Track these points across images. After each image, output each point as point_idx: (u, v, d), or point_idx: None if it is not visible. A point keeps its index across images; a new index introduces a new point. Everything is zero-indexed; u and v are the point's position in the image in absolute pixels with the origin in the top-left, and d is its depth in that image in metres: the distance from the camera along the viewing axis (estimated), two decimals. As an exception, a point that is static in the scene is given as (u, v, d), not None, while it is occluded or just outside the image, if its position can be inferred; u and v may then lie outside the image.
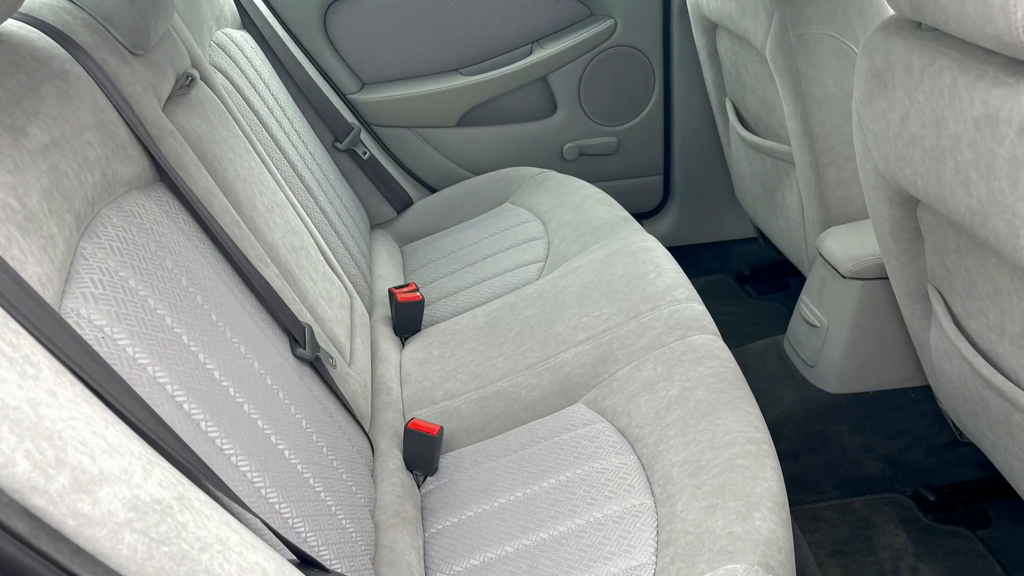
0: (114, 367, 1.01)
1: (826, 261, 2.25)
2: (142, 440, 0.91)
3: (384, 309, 2.36)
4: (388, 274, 2.58)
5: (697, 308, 1.86)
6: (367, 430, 1.83)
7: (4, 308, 0.85)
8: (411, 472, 1.78)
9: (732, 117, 2.82)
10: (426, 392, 1.98)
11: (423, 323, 2.29)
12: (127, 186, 1.34)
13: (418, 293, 2.26)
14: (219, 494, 1.02)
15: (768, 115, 2.55)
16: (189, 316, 1.27)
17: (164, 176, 1.48)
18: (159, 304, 1.20)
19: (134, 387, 1.02)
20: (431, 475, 1.79)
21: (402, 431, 1.83)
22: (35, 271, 0.98)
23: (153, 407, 1.02)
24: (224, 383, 1.26)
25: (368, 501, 1.60)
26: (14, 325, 0.84)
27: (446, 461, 1.82)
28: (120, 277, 1.16)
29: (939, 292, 1.65)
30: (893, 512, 2.21)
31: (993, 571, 2.00)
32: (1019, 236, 1.18)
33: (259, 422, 1.30)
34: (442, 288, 2.43)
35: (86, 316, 1.06)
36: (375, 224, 3.03)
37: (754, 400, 1.58)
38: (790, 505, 1.41)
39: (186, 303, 1.28)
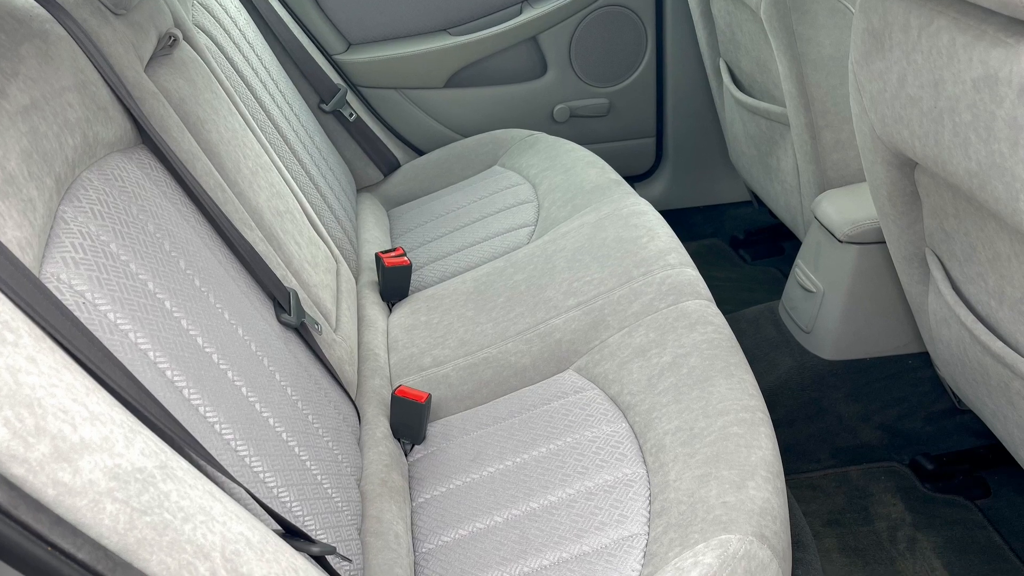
0: (95, 333, 1.00)
1: (822, 225, 2.24)
2: (124, 408, 0.91)
3: (371, 274, 2.35)
4: (375, 238, 2.57)
5: (690, 273, 1.85)
6: (353, 397, 1.83)
7: None
8: (398, 441, 1.77)
9: (726, 78, 2.81)
10: (413, 359, 1.98)
11: (411, 288, 2.28)
12: (108, 148, 1.33)
13: (405, 258, 2.25)
14: (202, 463, 1.02)
15: (763, 76, 2.53)
16: (171, 281, 1.26)
17: (146, 138, 1.47)
18: (141, 269, 1.20)
19: (116, 353, 1.01)
20: (419, 444, 1.79)
21: (389, 399, 1.83)
22: (14, 235, 0.97)
23: (135, 374, 1.01)
24: (207, 349, 1.25)
25: (355, 470, 1.60)
26: None
27: (434, 429, 1.82)
28: (101, 241, 1.15)
29: (937, 257, 1.64)
30: (890, 481, 2.21)
31: (993, 541, 2.01)
32: (1019, 199, 1.17)
33: (243, 389, 1.29)
34: (430, 253, 2.42)
35: (67, 281, 1.05)
36: (361, 187, 3.01)
37: (748, 367, 1.58)
38: (785, 474, 1.41)
39: (168, 268, 1.28)
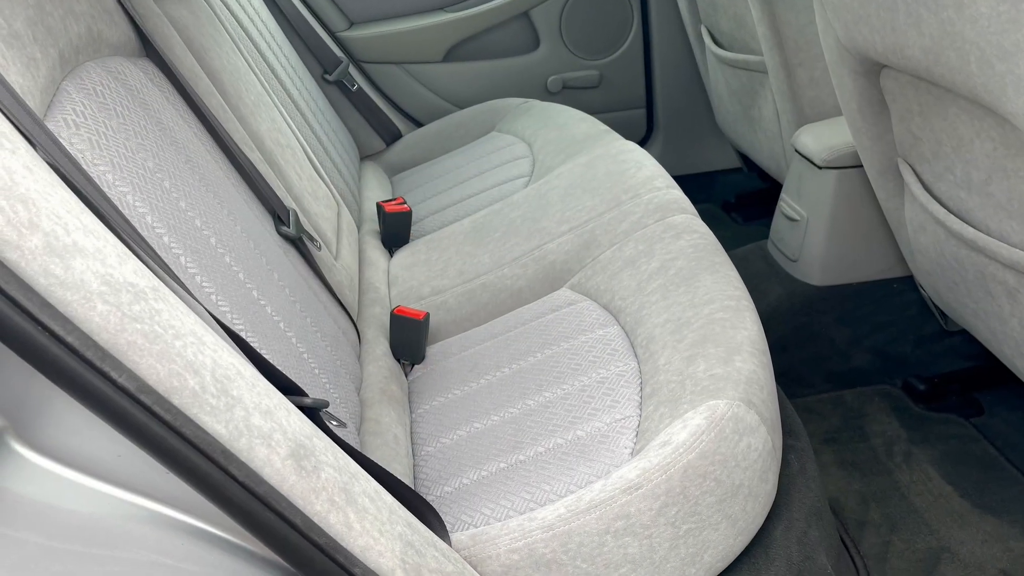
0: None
1: (801, 155, 2.26)
2: (117, 238, 0.89)
3: (372, 224, 2.34)
4: (377, 197, 2.56)
5: (676, 193, 1.84)
6: (354, 320, 1.81)
7: None
8: (398, 361, 1.76)
9: (708, 40, 2.83)
10: (413, 290, 1.97)
11: (411, 236, 2.27)
12: (113, 50, 1.32)
13: (406, 205, 2.24)
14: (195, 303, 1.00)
15: (741, 31, 2.56)
16: (172, 167, 1.25)
17: (151, 52, 1.46)
18: (140, 148, 1.18)
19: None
20: (418, 363, 1.78)
21: (388, 323, 1.81)
22: (16, 80, 0.96)
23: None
24: (205, 232, 1.23)
25: (354, 378, 1.58)
26: None
27: (433, 350, 1.81)
28: (102, 118, 1.14)
29: (909, 164, 1.66)
30: (884, 402, 2.20)
31: (988, 453, 1.99)
32: (969, 62, 1.18)
33: (240, 275, 1.27)
34: (430, 206, 2.41)
35: (66, 139, 1.04)
36: (364, 156, 3.01)
37: (733, 266, 1.57)
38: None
39: (170, 155, 1.26)
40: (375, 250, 2.19)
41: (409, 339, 1.76)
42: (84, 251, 0.78)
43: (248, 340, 1.17)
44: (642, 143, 3.35)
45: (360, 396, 1.58)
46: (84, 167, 1.03)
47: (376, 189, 2.64)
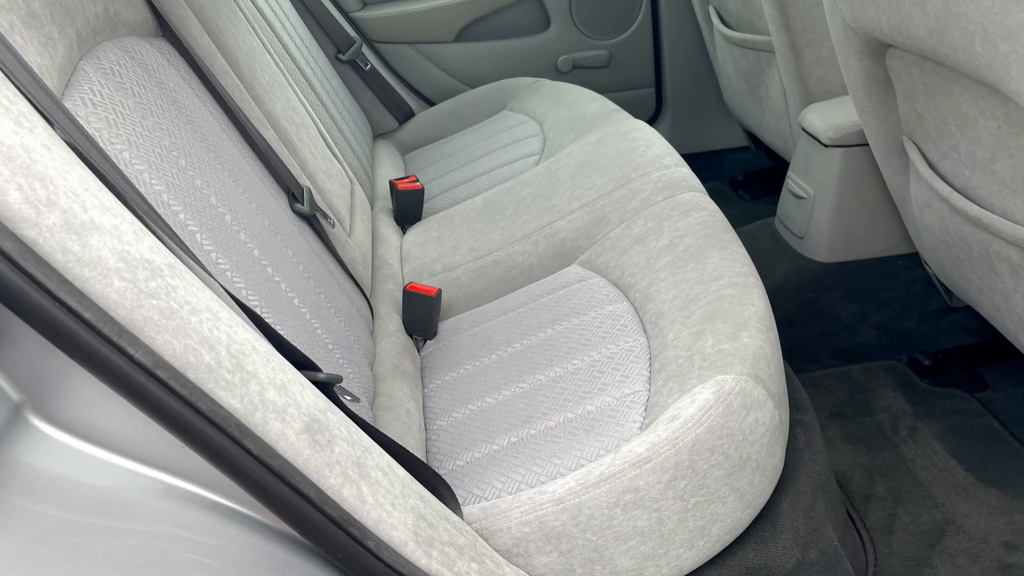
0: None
1: (808, 134, 2.25)
2: (134, 216, 0.88)
3: (385, 202, 2.33)
4: (390, 175, 2.55)
5: (684, 171, 1.83)
6: (367, 296, 1.81)
7: (1, 71, 0.82)
8: (411, 337, 1.76)
9: (715, 20, 2.81)
10: (425, 267, 1.96)
11: (423, 214, 2.26)
12: (129, 30, 1.31)
13: (418, 183, 2.23)
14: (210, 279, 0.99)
15: (748, 11, 2.55)
16: (188, 146, 1.24)
17: (167, 32, 1.45)
18: (157, 127, 1.18)
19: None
20: (430, 339, 1.77)
21: (401, 299, 1.81)
22: (35, 60, 0.95)
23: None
24: (220, 210, 1.23)
25: (367, 354, 1.57)
26: (11, 88, 0.81)
27: (445, 326, 1.80)
28: (119, 98, 1.14)
29: (914, 143, 1.65)
30: (890, 377, 2.19)
31: (992, 427, 1.98)
32: (973, 42, 1.17)
33: (255, 251, 1.27)
34: (442, 184, 2.40)
35: (83, 117, 1.03)
36: (377, 135, 3.00)
37: (740, 243, 1.56)
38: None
39: (186, 134, 1.25)
40: (388, 227, 2.19)
41: (421, 315, 1.75)
42: (101, 228, 0.78)
43: (263, 316, 1.17)
44: (651, 122, 3.34)
45: (373, 371, 1.57)
46: (101, 145, 1.02)
47: (389, 167, 2.63)
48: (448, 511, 1.03)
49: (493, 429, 1.42)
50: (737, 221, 2.39)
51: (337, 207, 1.87)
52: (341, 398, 1.10)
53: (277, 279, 1.29)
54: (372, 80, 2.96)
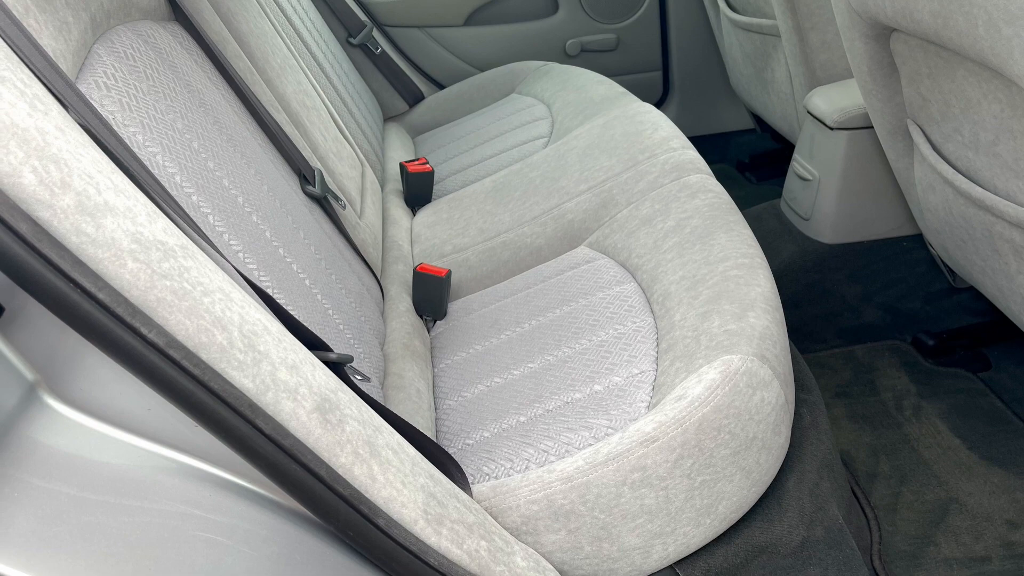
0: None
1: (814, 117, 2.23)
2: (147, 198, 0.88)
3: (396, 184, 2.33)
4: (400, 158, 2.54)
5: (691, 154, 1.82)
6: (378, 277, 1.80)
7: (16, 55, 0.81)
8: (420, 317, 1.75)
9: (722, 5, 2.79)
10: (435, 248, 1.96)
11: (434, 196, 2.26)
12: (143, 14, 1.31)
13: (428, 165, 2.23)
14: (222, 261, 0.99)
15: (753, -6, 2.54)
16: (201, 128, 1.24)
17: (180, 16, 1.44)
18: (170, 110, 1.17)
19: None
20: (440, 319, 1.77)
21: (411, 280, 1.80)
22: (49, 43, 0.95)
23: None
24: (233, 191, 1.23)
25: (377, 334, 1.57)
26: (26, 71, 0.81)
27: (454, 306, 1.80)
28: (132, 81, 1.13)
29: (918, 125, 1.64)
30: (894, 357, 2.18)
31: (995, 407, 1.98)
32: (977, 26, 1.16)
33: (267, 233, 1.27)
34: (452, 166, 2.39)
35: (97, 100, 1.03)
36: (387, 117, 2.99)
37: (747, 225, 1.55)
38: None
39: (198, 117, 1.25)
40: (398, 209, 2.18)
41: (431, 296, 1.75)
42: (115, 210, 0.77)
43: (274, 296, 1.16)
44: (658, 105, 3.32)
45: (383, 351, 1.57)
46: (115, 128, 1.02)
47: (399, 150, 2.62)
48: (458, 489, 1.03)
49: (502, 408, 1.42)
50: (743, 203, 2.39)
51: (348, 189, 1.86)
52: (352, 378, 1.10)
53: (289, 260, 1.29)
54: (383, 63, 2.95)
